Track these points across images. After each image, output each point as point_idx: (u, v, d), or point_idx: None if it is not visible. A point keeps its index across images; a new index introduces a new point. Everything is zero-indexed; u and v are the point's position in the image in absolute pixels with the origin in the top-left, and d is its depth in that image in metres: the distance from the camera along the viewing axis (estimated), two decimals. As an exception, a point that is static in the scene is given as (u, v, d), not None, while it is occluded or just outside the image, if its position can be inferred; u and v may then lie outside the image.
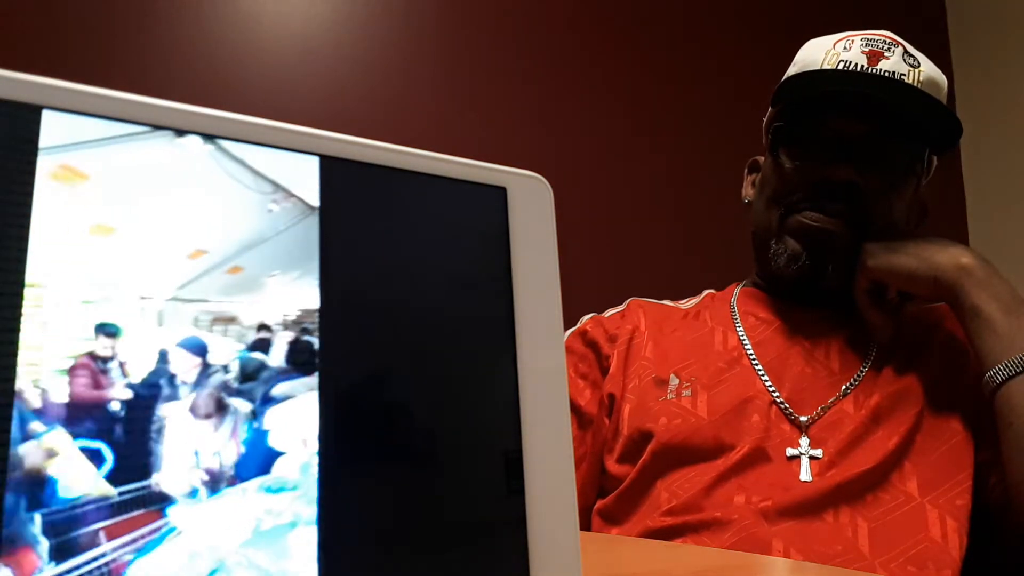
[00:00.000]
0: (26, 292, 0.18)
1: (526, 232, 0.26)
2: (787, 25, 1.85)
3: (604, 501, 0.78)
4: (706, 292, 0.92)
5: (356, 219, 0.24)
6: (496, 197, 0.26)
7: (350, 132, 0.24)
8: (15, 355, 0.17)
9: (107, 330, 0.19)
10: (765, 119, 0.87)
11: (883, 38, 0.78)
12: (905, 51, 0.77)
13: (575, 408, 0.82)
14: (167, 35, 1.47)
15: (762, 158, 0.88)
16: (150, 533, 0.18)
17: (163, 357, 0.19)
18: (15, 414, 0.17)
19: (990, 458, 0.71)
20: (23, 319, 0.18)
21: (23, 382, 0.17)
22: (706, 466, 0.72)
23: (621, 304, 0.91)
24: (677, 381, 0.78)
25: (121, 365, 0.19)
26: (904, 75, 0.76)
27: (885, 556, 0.65)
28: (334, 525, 0.21)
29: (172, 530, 0.18)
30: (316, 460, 0.21)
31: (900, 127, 0.76)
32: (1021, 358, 0.65)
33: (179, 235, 0.21)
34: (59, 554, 0.16)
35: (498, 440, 0.24)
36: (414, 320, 0.24)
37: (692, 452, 0.73)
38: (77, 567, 0.16)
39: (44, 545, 0.16)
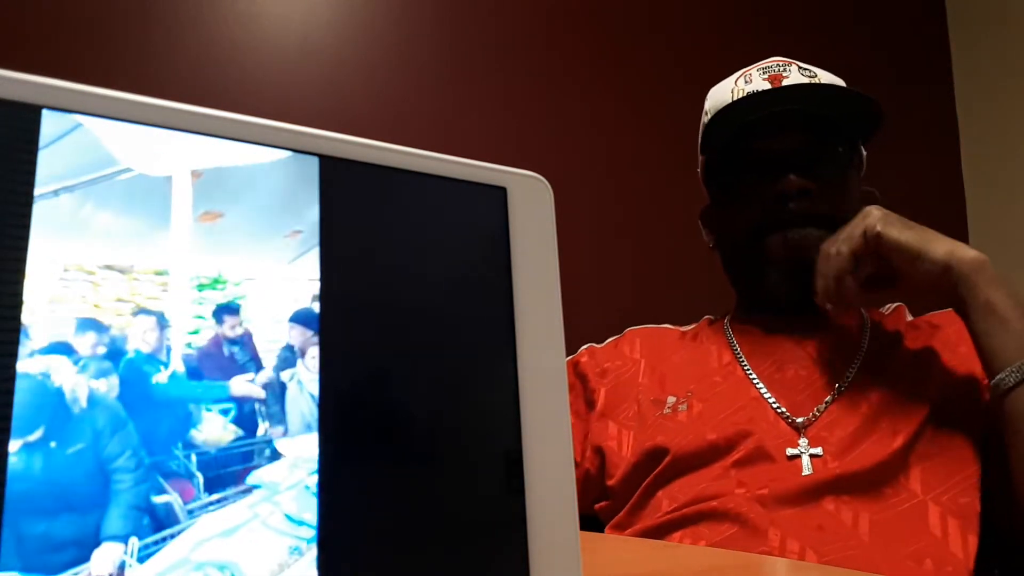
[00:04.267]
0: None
1: (526, 232, 0.26)
2: (792, 28, 1.84)
3: (603, 504, 0.79)
4: (705, 317, 0.94)
5: (356, 219, 0.24)
6: (496, 197, 0.26)
7: (350, 132, 0.24)
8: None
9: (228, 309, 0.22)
10: (699, 170, 0.90)
11: (776, 62, 0.82)
12: (799, 67, 0.82)
13: None
14: (167, 35, 1.46)
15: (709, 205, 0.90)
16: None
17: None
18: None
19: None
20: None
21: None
22: (705, 471, 0.72)
23: (619, 333, 0.93)
24: (674, 399, 0.79)
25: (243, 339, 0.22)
26: None
27: (884, 551, 0.65)
28: (333, 524, 0.21)
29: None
30: (316, 459, 0.21)
31: (824, 126, 0.79)
32: None
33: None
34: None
35: (498, 440, 0.24)
36: (414, 320, 0.24)
37: (689, 461, 0.74)
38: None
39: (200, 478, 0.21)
